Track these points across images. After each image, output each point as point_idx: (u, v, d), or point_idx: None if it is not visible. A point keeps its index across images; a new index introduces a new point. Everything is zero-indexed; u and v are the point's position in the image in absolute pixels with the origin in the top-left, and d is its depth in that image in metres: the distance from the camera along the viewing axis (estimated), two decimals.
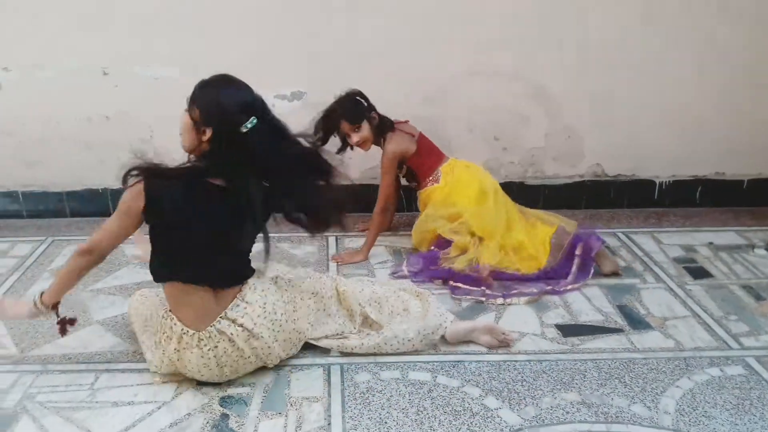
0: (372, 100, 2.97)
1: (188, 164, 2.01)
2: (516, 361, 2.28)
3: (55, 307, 2.07)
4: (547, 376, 2.19)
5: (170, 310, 2.06)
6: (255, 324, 2.06)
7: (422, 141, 3.03)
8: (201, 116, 1.93)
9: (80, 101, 3.25)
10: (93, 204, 3.45)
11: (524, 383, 2.15)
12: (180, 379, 2.14)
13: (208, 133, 1.93)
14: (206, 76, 3.31)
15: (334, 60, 3.22)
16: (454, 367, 2.24)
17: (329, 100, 2.90)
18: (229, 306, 2.05)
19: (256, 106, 1.96)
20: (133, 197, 1.92)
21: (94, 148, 3.34)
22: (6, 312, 2.13)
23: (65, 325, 2.14)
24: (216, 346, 2.03)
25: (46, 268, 2.91)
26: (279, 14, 3.18)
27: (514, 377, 2.18)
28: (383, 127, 2.96)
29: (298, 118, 2.35)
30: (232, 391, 2.11)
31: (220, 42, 3.19)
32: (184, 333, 2.02)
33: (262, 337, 2.08)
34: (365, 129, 2.92)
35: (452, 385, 2.14)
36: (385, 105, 3.07)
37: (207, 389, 2.11)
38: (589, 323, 2.52)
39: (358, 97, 2.91)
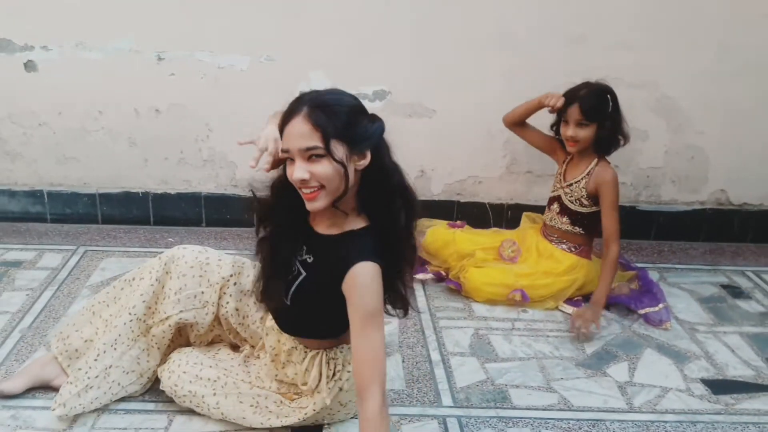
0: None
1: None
2: (665, 422, 2.17)
3: None
4: None
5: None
6: None
7: None
8: (350, 147, 1.70)
9: (128, 90, 3.16)
10: (129, 209, 3.37)
11: None
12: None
13: (367, 158, 1.72)
14: (283, 69, 3.09)
15: (438, 55, 3.13)
16: (593, 426, 2.13)
17: (415, 101, 2.78)
18: None
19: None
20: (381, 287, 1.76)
21: (138, 144, 3.26)
22: None
23: None
24: None
25: (84, 284, 2.82)
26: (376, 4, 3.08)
27: None
28: (604, 146, 2.80)
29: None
30: None
31: (301, 31, 3.09)
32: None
33: None
34: (590, 131, 2.75)
35: None
36: (482, 108, 2.98)
37: None
38: (740, 379, 2.43)
39: (609, 95, 2.75)
